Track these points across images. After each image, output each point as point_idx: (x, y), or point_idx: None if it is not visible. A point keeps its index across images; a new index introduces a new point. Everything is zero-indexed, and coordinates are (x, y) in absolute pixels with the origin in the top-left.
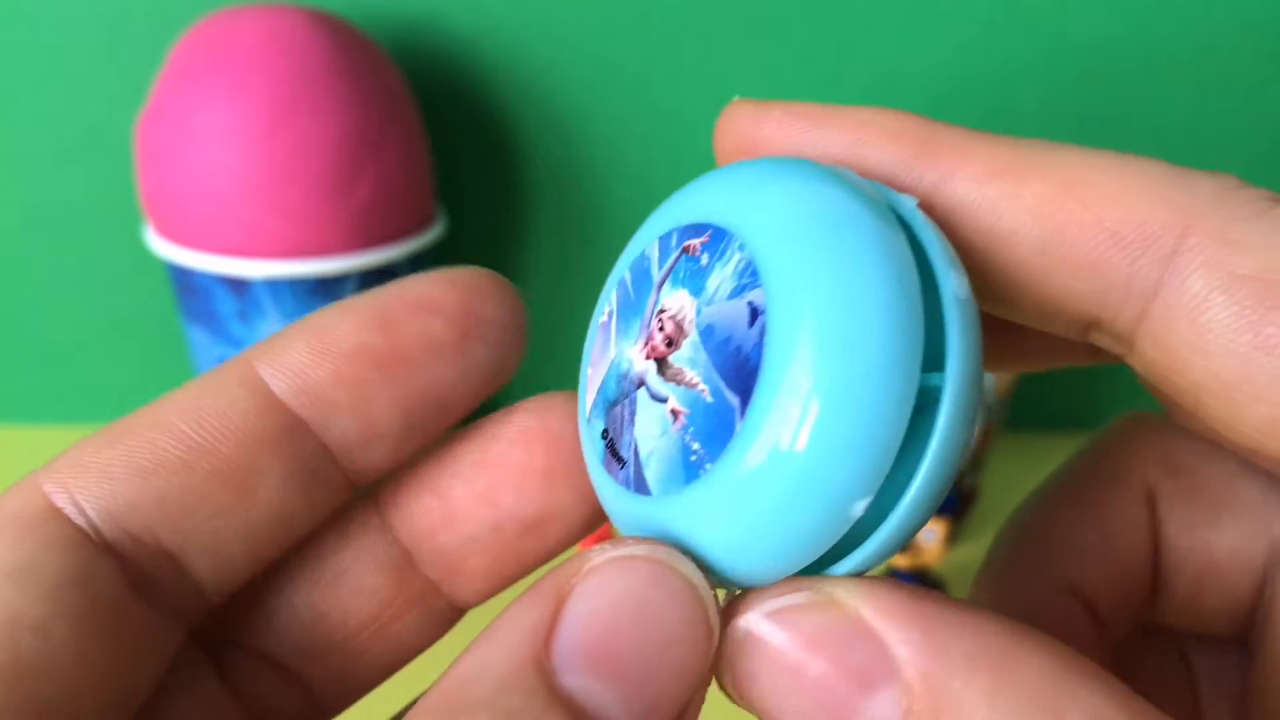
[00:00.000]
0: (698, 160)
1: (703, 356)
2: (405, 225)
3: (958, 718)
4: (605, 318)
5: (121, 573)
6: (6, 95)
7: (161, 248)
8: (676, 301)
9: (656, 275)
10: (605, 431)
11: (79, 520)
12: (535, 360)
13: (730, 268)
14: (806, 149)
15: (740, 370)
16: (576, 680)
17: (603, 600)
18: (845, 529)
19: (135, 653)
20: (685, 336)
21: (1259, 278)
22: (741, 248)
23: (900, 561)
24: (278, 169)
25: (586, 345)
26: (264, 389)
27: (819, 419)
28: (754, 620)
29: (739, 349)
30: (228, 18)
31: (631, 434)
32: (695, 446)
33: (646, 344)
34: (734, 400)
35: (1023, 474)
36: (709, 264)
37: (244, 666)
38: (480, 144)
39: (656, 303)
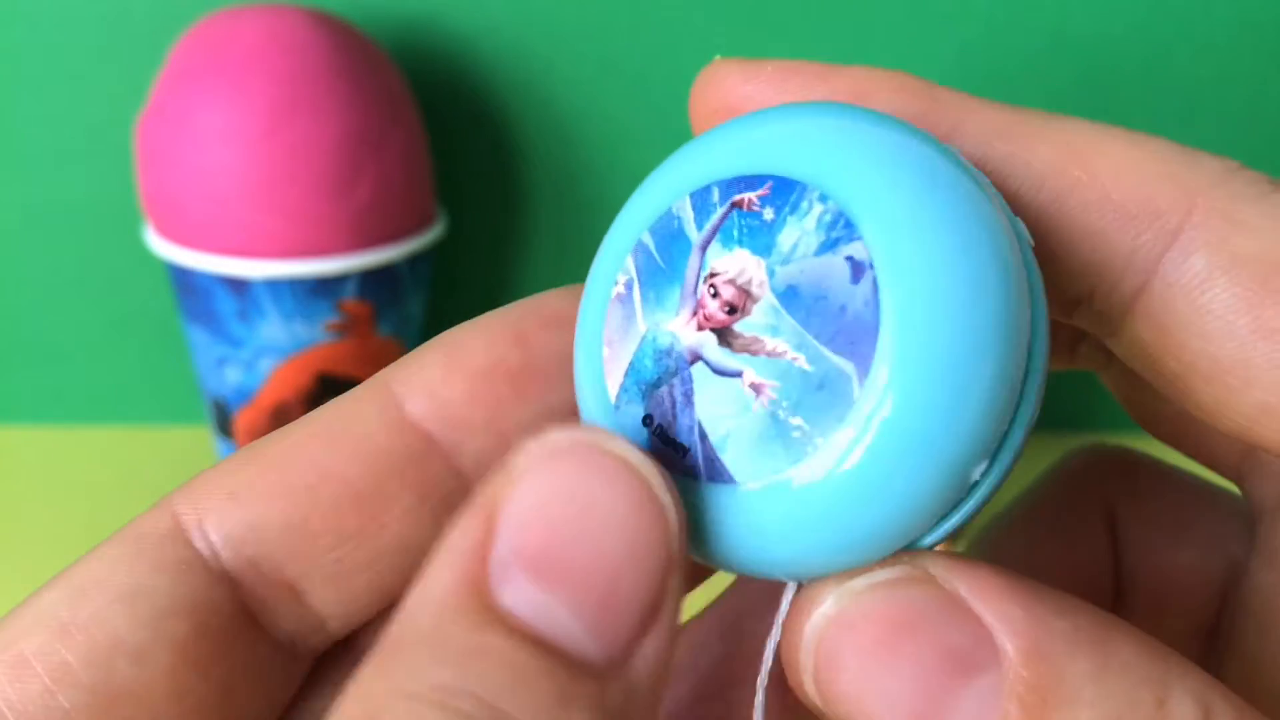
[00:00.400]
0: None
1: (789, 322)
2: (405, 225)
3: (1064, 699)
4: (621, 289)
5: (236, 601)
6: (6, 95)
7: (161, 248)
8: (734, 263)
9: (696, 236)
10: (648, 418)
11: (200, 544)
12: None
13: (812, 220)
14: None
15: (851, 332)
16: (515, 592)
17: (532, 500)
18: (962, 494)
19: (242, 683)
20: (755, 301)
21: (1261, 259)
22: (823, 198)
23: None
24: (278, 169)
25: (587, 321)
26: (396, 408)
27: (959, 382)
28: (839, 603)
29: (844, 308)
30: (228, 18)
31: (692, 416)
32: (796, 421)
33: (695, 314)
34: (847, 366)
35: (1023, 474)
36: (777, 218)
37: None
38: (480, 144)
39: (703, 266)
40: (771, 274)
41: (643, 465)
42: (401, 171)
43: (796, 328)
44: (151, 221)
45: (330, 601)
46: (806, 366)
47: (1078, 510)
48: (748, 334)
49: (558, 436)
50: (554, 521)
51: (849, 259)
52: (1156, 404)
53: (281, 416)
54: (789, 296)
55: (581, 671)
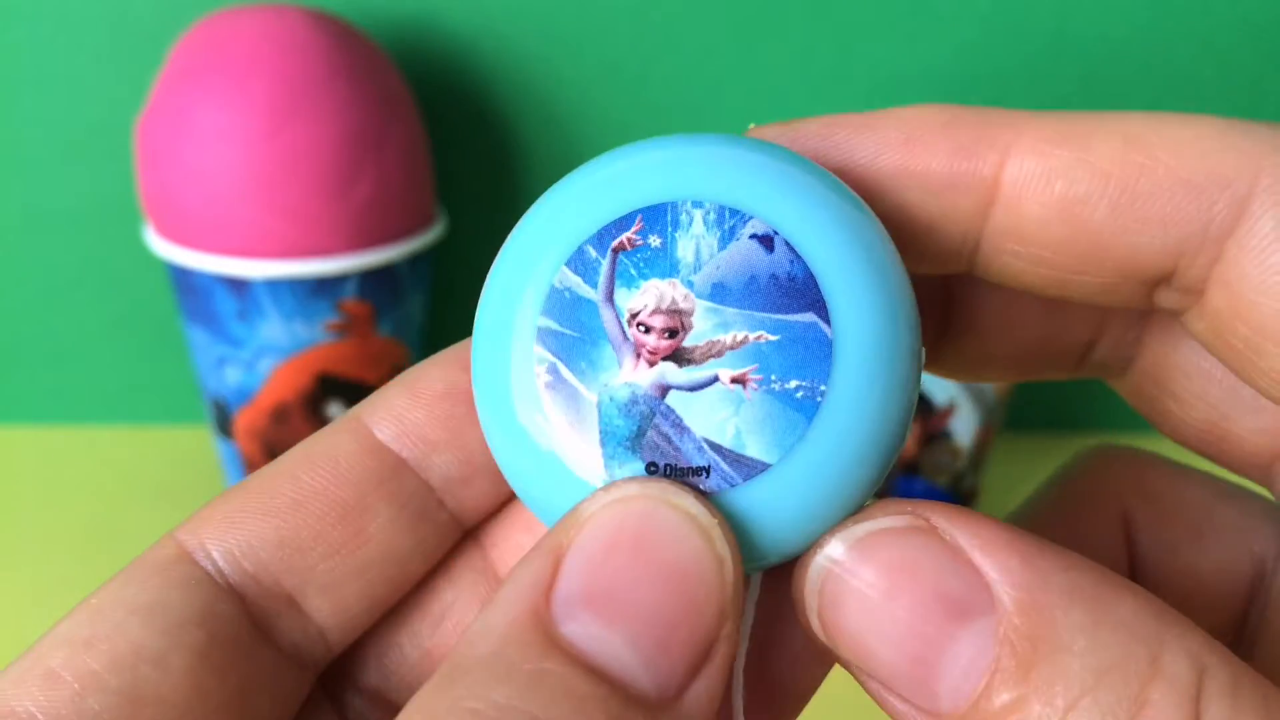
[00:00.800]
0: None
1: (731, 312)
2: (405, 225)
3: (1056, 648)
4: (547, 377)
5: (244, 613)
6: (6, 95)
7: (161, 248)
8: (648, 295)
9: (596, 294)
10: (651, 465)
11: (205, 564)
12: None
13: (699, 225)
14: (857, 155)
15: (792, 290)
16: (577, 626)
17: (598, 544)
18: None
19: (255, 690)
20: (689, 314)
21: None
22: (697, 204)
23: None
24: (278, 169)
25: (510, 435)
26: (368, 434)
27: (896, 291)
28: (842, 547)
29: (774, 276)
30: (228, 18)
31: (693, 438)
32: (793, 384)
33: (639, 356)
34: (807, 317)
35: (1023, 474)
36: (665, 240)
37: (357, 706)
38: (480, 144)
39: (619, 315)
40: (690, 285)
41: (704, 518)
42: (401, 171)
43: (742, 313)
44: (151, 221)
45: (326, 611)
46: (771, 337)
47: (1090, 512)
48: (701, 343)
49: (626, 486)
50: (619, 565)
51: (753, 236)
52: (1182, 410)
53: (281, 416)
54: (719, 293)
55: (635, 704)
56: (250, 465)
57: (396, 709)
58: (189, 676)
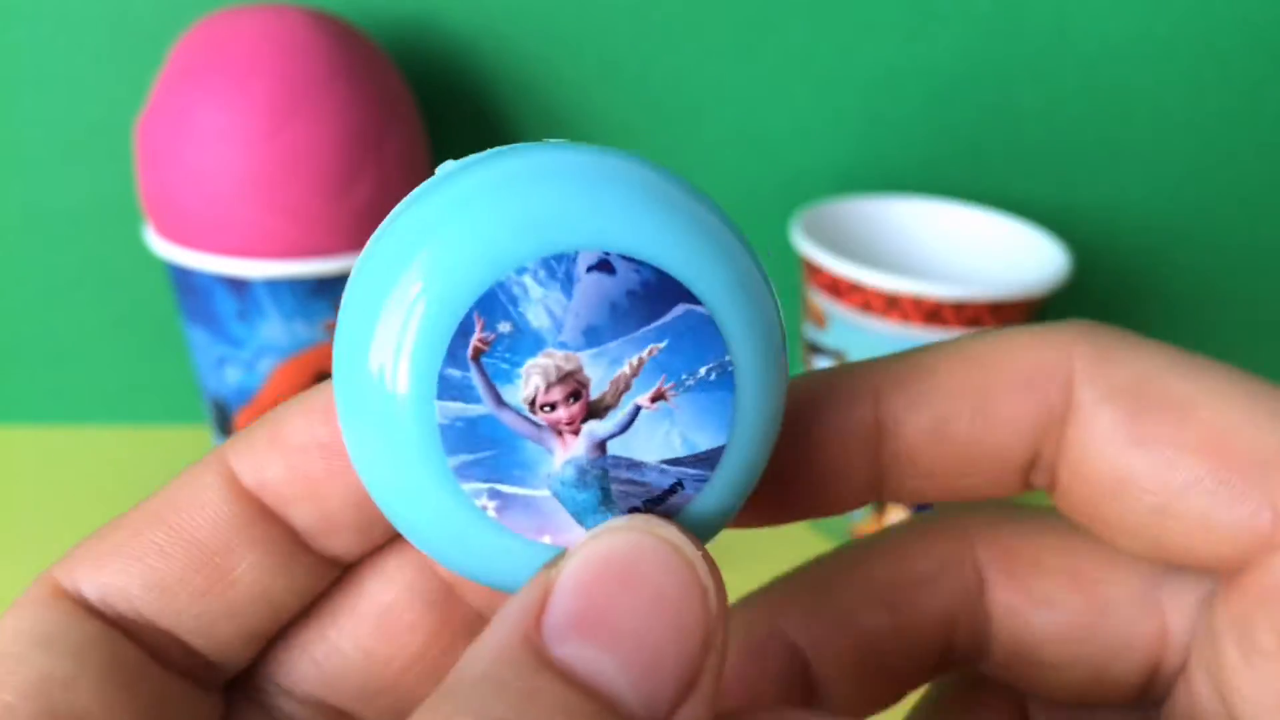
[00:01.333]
0: (697, 160)
1: (614, 345)
2: None
3: None
4: (492, 506)
5: (135, 643)
6: (6, 95)
7: (161, 248)
8: (532, 378)
9: (485, 406)
10: (631, 510)
11: (84, 603)
12: None
13: (536, 289)
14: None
15: (651, 295)
16: (569, 649)
17: (587, 574)
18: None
19: (166, 706)
20: (580, 370)
21: (1129, 387)
22: (520, 271)
23: None
24: (278, 169)
25: (492, 551)
26: (232, 478)
27: (752, 273)
28: None
29: (630, 291)
30: (228, 18)
31: (652, 466)
32: (703, 371)
33: (560, 434)
34: (683, 308)
35: None
36: (516, 319)
37: (299, 715)
38: (480, 144)
39: (519, 410)
40: (563, 346)
41: (688, 550)
42: (401, 171)
43: (624, 340)
44: (151, 221)
45: (207, 647)
46: (660, 345)
47: (943, 544)
48: (606, 387)
49: (614, 520)
50: (608, 592)
51: (590, 269)
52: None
53: None
54: (593, 336)
55: (626, 718)
56: None
57: (340, 714)
58: (99, 696)
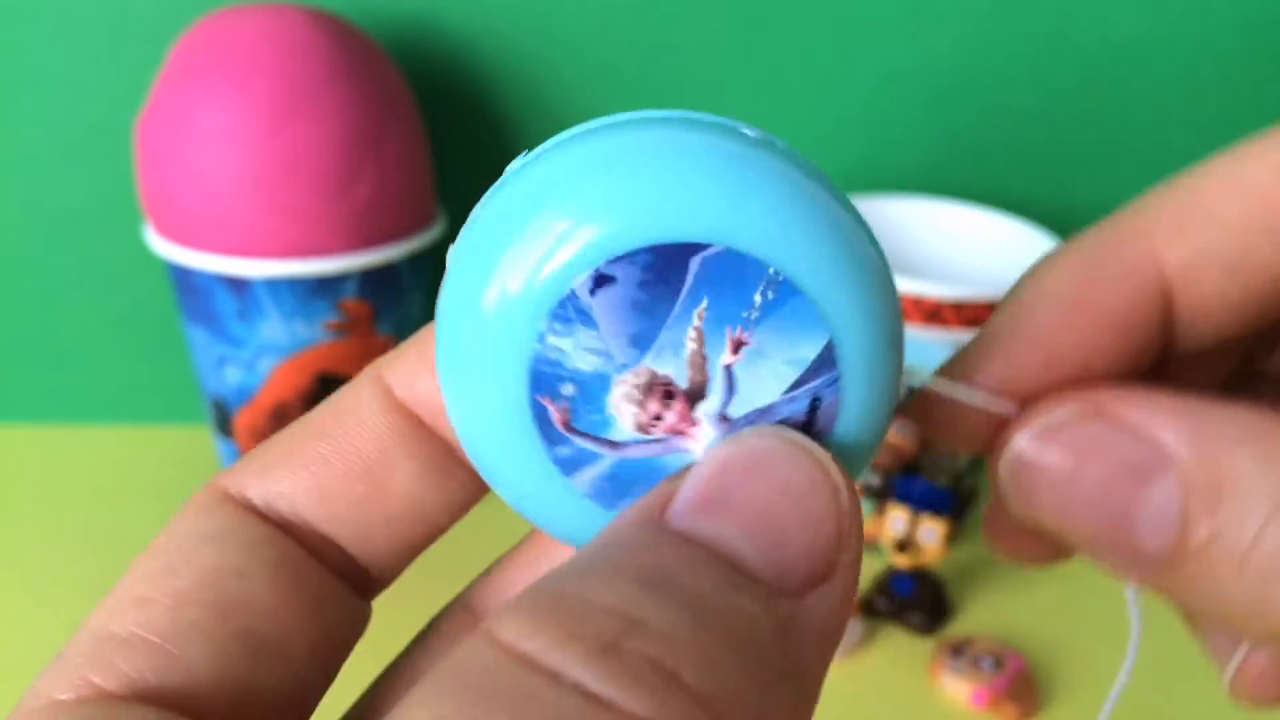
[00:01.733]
0: None
1: (666, 337)
2: (405, 225)
3: (1235, 488)
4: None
5: (299, 544)
6: (6, 95)
7: (161, 248)
8: (627, 409)
9: (609, 457)
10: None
11: (250, 505)
12: None
13: (568, 350)
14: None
15: (658, 274)
16: (691, 521)
17: (713, 467)
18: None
19: (328, 603)
20: (662, 378)
21: None
22: (541, 358)
23: (901, 562)
24: (278, 169)
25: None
26: (389, 392)
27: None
28: (1024, 444)
29: (641, 283)
30: (228, 17)
31: (782, 400)
32: (758, 298)
33: (684, 433)
34: (695, 264)
35: None
36: (576, 383)
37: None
38: (480, 144)
39: (637, 439)
40: (624, 368)
41: (819, 452)
42: (401, 171)
43: (668, 326)
44: (151, 221)
45: (363, 555)
46: (702, 304)
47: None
48: (688, 372)
49: (742, 430)
50: (734, 479)
51: (591, 291)
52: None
53: (281, 416)
54: (640, 341)
55: (753, 582)
56: None
57: None
58: (270, 586)
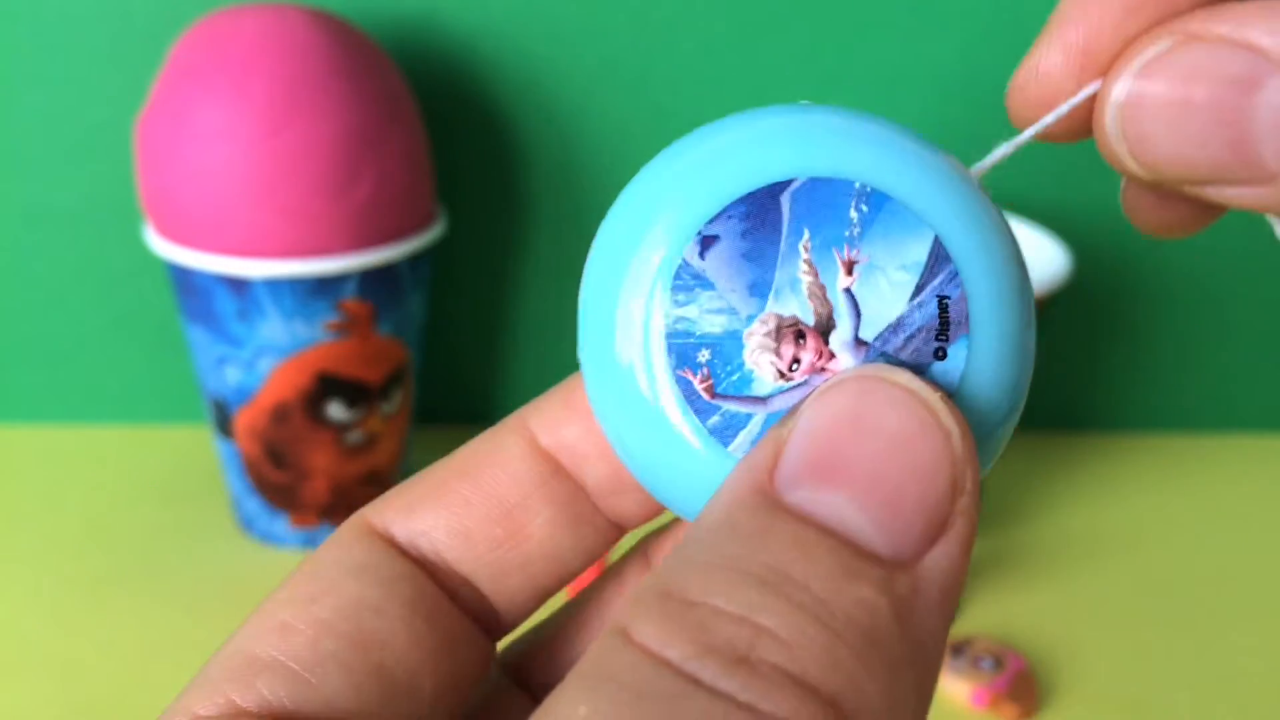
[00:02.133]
0: None
1: (781, 276)
2: (405, 225)
3: None
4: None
5: (437, 582)
6: (6, 95)
7: (161, 248)
8: (765, 360)
9: (760, 414)
10: (937, 349)
11: (393, 542)
12: (534, 361)
13: (693, 317)
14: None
15: (756, 220)
16: (801, 494)
17: (818, 423)
18: None
19: (459, 643)
20: (788, 320)
21: None
22: (672, 334)
23: None
24: (278, 169)
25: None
26: (532, 438)
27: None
28: (1127, 85)
29: (744, 232)
30: (228, 17)
31: (909, 308)
32: (853, 214)
33: (824, 369)
34: (785, 199)
35: (1023, 474)
36: (710, 348)
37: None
38: (480, 144)
39: (781, 389)
40: (750, 319)
41: (925, 393)
42: (401, 171)
43: (779, 266)
44: (151, 221)
45: (496, 596)
46: (804, 236)
47: None
48: (810, 305)
49: (844, 373)
50: (840, 436)
51: (701, 254)
52: None
53: (281, 416)
54: (757, 289)
55: (867, 558)
56: (250, 465)
57: None
58: (406, 624)
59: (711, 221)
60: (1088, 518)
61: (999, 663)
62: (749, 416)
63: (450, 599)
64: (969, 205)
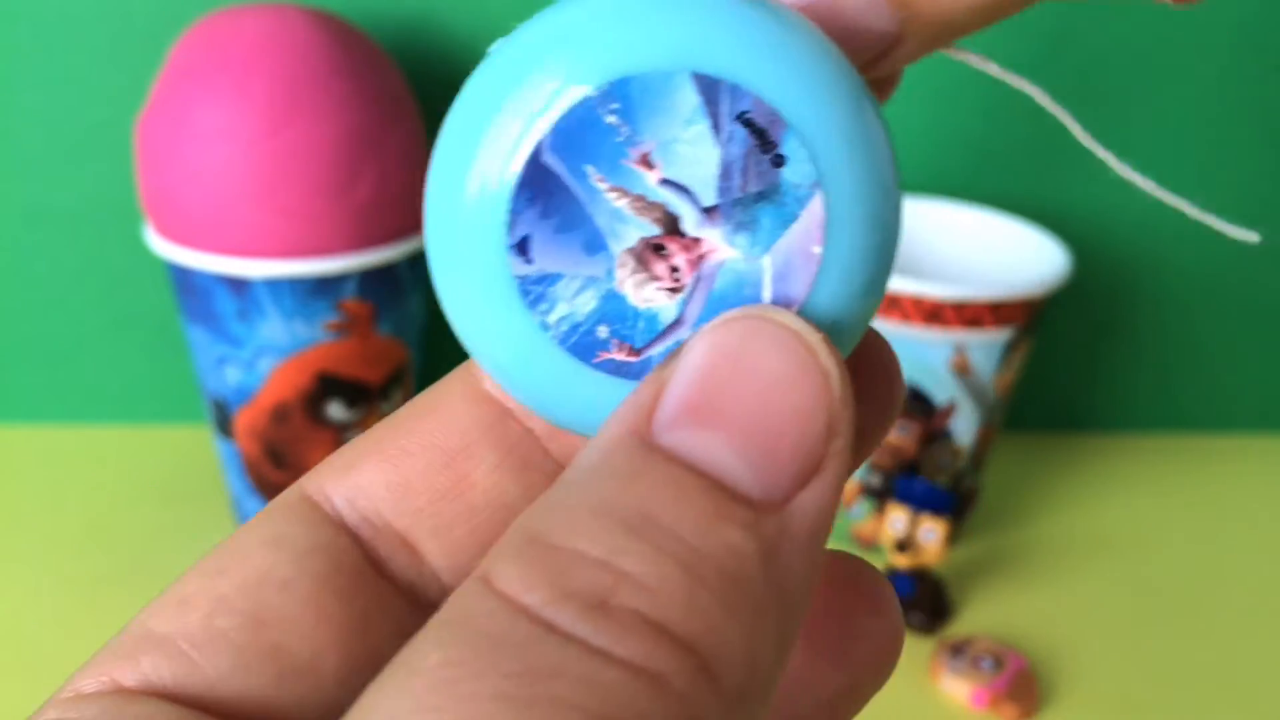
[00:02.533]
0: None
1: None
2: (405, 225)
3: None
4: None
5: (362, 550)
6: (6, 95)
7: (161, 248)
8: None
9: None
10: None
11: (326, 506)
12: None
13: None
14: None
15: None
16: (678, 436)
17: (700, 364)
18: None
19: (375, 619)
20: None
21: None
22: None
23: (900, 562)
24: (278, 169)
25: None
26: (475, 385)
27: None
28: None
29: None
30: (228, 17)
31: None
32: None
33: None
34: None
35: (1023, 474)
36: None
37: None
38: None
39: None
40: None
41: (808, 334)
42: (401, 171)
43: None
44: (151, 221)
45: (437, 553)
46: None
47: None
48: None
49: (729, 311)
50: (720, 378)
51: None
52: None
53: (281, 416)
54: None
55: (738, 500)
56: (250, 465)
57: None
58: (312, 600)
59: (510, 230)
60: (1088, 518)
61: (999, 663)
62: (678, 342)
63: (379, 569)
64: (721, 17)
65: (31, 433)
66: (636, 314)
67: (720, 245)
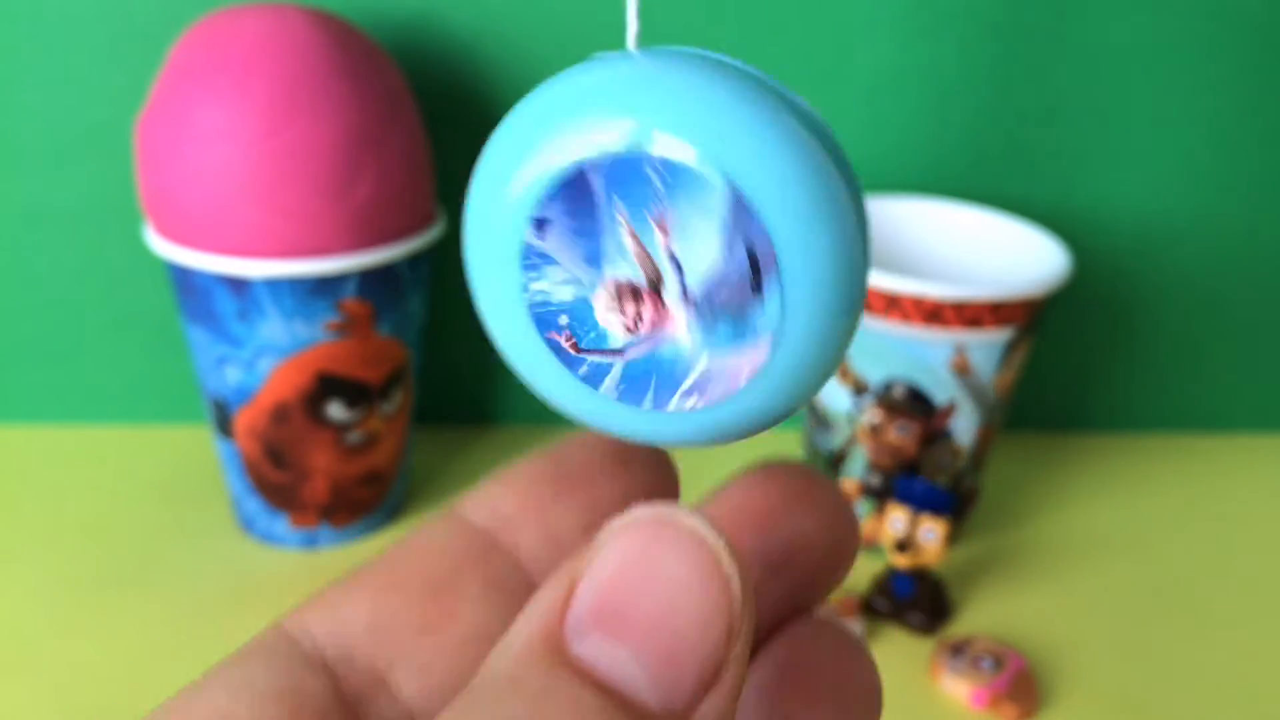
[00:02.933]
0: None
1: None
2: (405, 225)
3: None
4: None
5: (334, 691)
6: (6, 95)
7: (161, 248)
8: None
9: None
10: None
11: (305, 642)
12: None
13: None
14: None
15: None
16: (587, 644)
17: (609, 566)
18: None
19: None
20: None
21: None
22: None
23: (900, 562)
24: (278, 169)
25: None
26: (462, 518)
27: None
28: None
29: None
30: (228, 17)
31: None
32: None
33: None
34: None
35: (1023, 474)
36: (571, 322)
37: None
38: (480, 144)
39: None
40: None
41: (711, 539)
42: (401, 171)
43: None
44: (151, 221)
45: (416, 693)
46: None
47: None
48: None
49: (638, 512)
50: (627, 584)
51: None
52: None
53: (281, 416)
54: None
55: (642, 713)
56: (250, 465)
57: None
58: None
59: (540, 206)
60: (1088, 518)
61: (999, 663)
62: (610, 365)
63: (352, 708)
64: (766, 146)
65: (31, 433)
66: (594, 324)
67: (680, 325)
